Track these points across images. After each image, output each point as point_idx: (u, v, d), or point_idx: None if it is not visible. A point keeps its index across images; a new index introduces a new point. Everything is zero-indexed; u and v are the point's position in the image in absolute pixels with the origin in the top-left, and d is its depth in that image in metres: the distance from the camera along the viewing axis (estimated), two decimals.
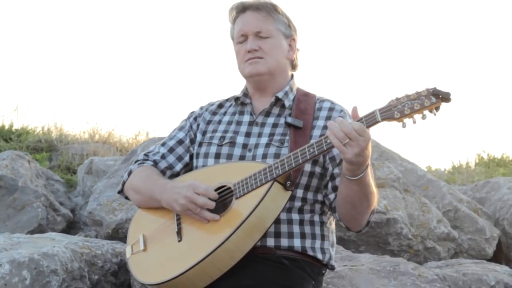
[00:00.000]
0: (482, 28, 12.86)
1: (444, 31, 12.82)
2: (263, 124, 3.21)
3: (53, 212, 5.58)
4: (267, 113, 3.23)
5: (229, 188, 3.01)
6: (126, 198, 3.40)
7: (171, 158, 3.30)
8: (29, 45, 12.25)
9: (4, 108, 12.17)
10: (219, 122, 3.30)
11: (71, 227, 5.74)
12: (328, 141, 2.80)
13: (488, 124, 11.55)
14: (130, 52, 12.64)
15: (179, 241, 3.04)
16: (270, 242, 3.05)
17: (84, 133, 7.99)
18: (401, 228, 5.07)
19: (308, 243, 3.10)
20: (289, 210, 3.07)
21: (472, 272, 4.42)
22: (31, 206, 5.49)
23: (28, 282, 3.71)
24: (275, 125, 3.19)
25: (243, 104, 3.29)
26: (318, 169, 3.12)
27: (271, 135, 3.15)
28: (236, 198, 2.97)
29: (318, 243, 3.13)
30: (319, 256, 3.12)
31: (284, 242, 3.07)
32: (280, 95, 3.21)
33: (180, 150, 3.31)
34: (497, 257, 5.69)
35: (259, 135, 3.18)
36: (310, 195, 3.12)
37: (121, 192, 3.40)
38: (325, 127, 3.10)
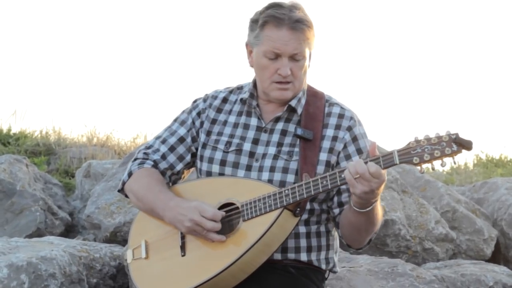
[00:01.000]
0: (481, 29, 12.89)
1: (442, 33, 12.84)
2: (271, 131, 3.11)
3: (51, 215, 5.58)
4: (277, 118, 3.13)
5: (237, 207, 2.96)
6: (126, 196, 3.30)
7: (171, 158, 3.21)
8: (27, 49, 12.26)
9: (2, 112, 12.16)
10: (225, 123, 3.19)
11: (69, 231, 5.75)
12: (343, 176, 2.76)
13: (486, 125, 11.56)
14: (127, 55, 12.65)
15: (182, 255, 3.00)
16: (277, 256, 3.02)
17: (82, 137, 7.99)
18: (399, 229, 5.07)
19: (314, 256, 3.08)
20: None
21: (470, 272, 4.43)
22: (29, 210, 5.49)
23: (27, 286, 3.72)
24: (283, 133, 3.11)
25: (250, 105, 3.18)
26: None
27: (280, 145, 3.08)
28: (244, 220, 2.92)
29: (323, 254, 3.11)
30: (323, 266, 3.12)
31: (291, 256, 3.05)
32: (293, 103, 3.11)
33: (181, 149, 3.21)
34: (496, 258, 5.69)
35: (267, 143, 3.10)
36: (316, 206, 3.07)
37: (121, 190, 3.30)
38: (334, 138, 3.06)
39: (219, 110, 3.23)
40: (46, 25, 12.57)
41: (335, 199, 3.07)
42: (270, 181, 3.01)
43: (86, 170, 6.13)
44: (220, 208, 2.97)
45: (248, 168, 3.08)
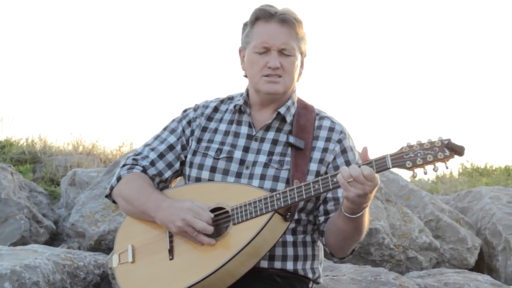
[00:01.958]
0: (468, 40, 12.96)
1: (431, 44, 12.90)
2: (262, 140, 3.13)
3: (36, 224, 5.58)
4: (267, 127, 3.15)
5: (227, 211, 2.96)
6: (114, 202, 3.30)
7: (160, 165, 3.21)
8: (14, 57, 12.24)
9: None
10: (215, 130, 3.21)
11: (54, 239, 5.74)
12: (335, 180, 2.79)
13: (471, 134, 11.62)
14: (114, 65, 12.66)
15: (170, 259, 3.00)
16: (264, 264, 3.03)
17: (68, 145, 8.00)
18: (382, 238, 5.09)
19: (299, 265, 3.10)
20: None
21: (453, 281, 4.45)
22: (14, 218, 5.49)
23: None
24: (274, 142, 3.12)
25: (241, 112, 3.20)
26: None
27: (270, 153, 3.09)
28: (234, 224, 2.92)
29: (309, 264, 3.13)
30: (310, 275, 3.14)
31: (278, 264, 3.06)
32: (282, 110, 3.13)
33: (170, 156, 3.21)
34: (479, 267, 5.72)
35: (258, 151, 3.11)
36: (303, 216, 3.09)
37: (108, 196, 3.29)
38: (325, 150, 3.09)
39: (210, 119, 3.25)
40: (33, 34, 12.56)
41: (321, 207, 3.09)
42: (260, 188, 3.01)
43: (71, 178, 6.12)
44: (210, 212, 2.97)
45: (238, 175, 3.09)
